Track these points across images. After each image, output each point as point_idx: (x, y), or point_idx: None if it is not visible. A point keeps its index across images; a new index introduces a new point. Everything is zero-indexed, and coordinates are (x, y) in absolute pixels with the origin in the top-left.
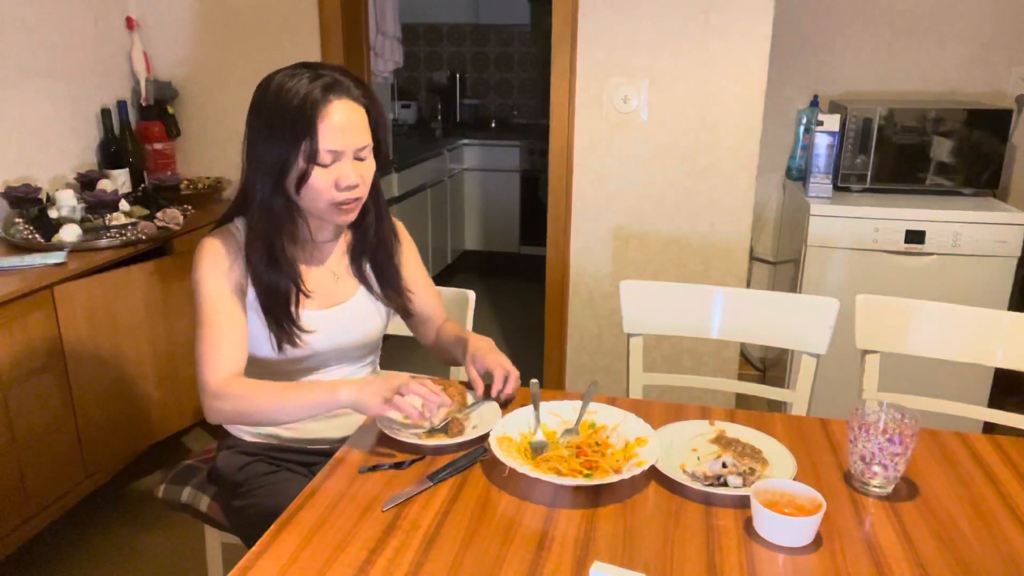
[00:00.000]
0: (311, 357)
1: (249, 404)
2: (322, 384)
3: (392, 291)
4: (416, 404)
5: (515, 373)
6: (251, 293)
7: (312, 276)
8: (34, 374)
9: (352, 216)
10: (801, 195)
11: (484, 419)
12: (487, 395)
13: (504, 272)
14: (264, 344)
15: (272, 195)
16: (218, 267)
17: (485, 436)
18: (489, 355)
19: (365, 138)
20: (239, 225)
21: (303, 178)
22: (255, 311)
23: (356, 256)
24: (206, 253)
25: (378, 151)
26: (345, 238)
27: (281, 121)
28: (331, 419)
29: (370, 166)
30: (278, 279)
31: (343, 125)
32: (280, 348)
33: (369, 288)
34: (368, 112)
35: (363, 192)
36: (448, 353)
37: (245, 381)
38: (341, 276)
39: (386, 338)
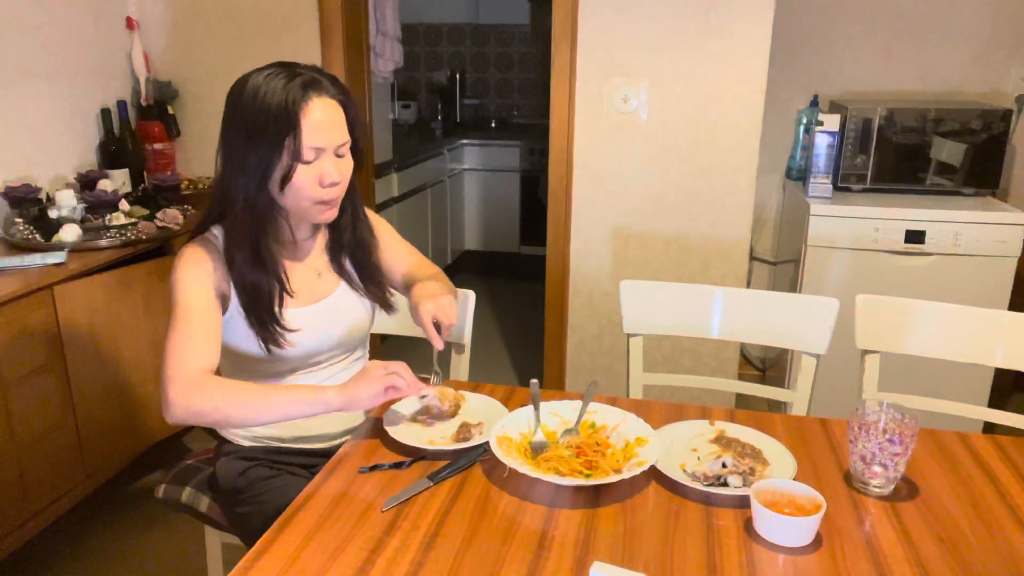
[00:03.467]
0: (300, 354)
1: (227, 398)
2: (309, 386)
3: (374, 287)
4: (403, 380)
5: (446, 311)
6: (235, 299)
7: (295, 274)
8: (34, 374)
9: (333, 214)
10: (801, 195)
11: (485, 419)
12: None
13: (504, 272)
14: (254, 347)
15: (256, 195)
16: (199, 271)
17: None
18: (422, 305)
19: (344, 135)
20: (216, 233)
21: (287, 176)
22: (241, 316)
23: (335, 254)
24: (187, 258)
25: (355, 149)
26: (323, 235)
27: (263, 121)
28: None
29: (349, 163)
30: (262, 278)
31: (324, 122)
32: (268, 350)
33: (350, 282)
34: (345, 109)
35: (343, 189)
36: None
37: (222, 378)
38: (323, 272)
39: (385, 338)
